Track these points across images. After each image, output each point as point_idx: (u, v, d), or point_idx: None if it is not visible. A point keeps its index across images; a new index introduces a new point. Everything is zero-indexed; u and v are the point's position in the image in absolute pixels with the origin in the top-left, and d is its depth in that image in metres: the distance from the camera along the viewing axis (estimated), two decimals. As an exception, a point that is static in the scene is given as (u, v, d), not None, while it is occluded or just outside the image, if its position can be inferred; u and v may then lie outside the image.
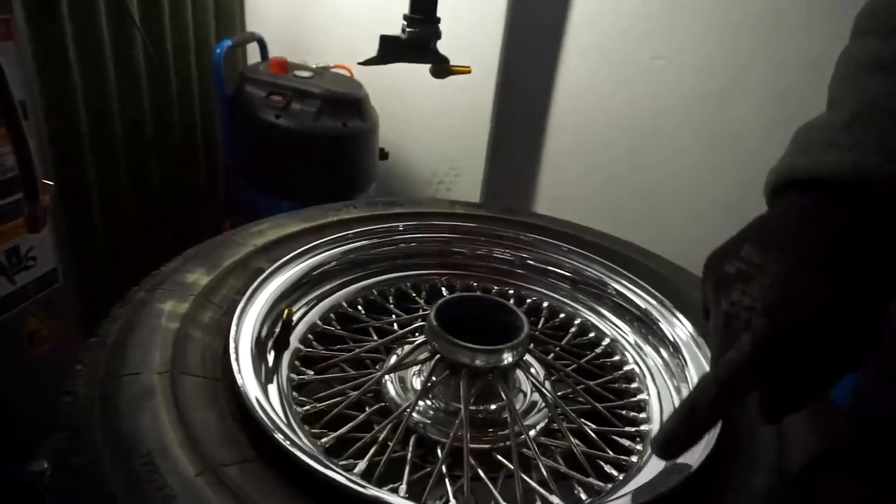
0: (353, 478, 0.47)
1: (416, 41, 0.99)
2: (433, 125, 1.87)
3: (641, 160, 1.76)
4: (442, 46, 1.04)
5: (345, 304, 0.80)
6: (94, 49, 1.31)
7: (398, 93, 1.83)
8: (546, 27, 1.71)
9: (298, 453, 0.48)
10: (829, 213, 0.42)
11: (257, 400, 0.54)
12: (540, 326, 0.81)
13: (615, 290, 0.81)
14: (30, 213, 0.64)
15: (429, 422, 0.63)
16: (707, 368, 0.63)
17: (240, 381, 0.54)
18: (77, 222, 1.28)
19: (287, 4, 1.84)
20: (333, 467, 0.48)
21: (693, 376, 0.66)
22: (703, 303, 0.48)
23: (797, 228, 0.43)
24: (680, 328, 0.72)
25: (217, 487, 0.45)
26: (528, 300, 0.85)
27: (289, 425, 0.57)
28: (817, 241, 0.42)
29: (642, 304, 0.77)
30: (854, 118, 0.44)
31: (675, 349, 0.72)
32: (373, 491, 0.46)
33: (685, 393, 0.66)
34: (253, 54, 1.82)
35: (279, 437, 0.49)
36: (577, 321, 0.82)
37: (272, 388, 0.64)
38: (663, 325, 0.75)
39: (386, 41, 1.00)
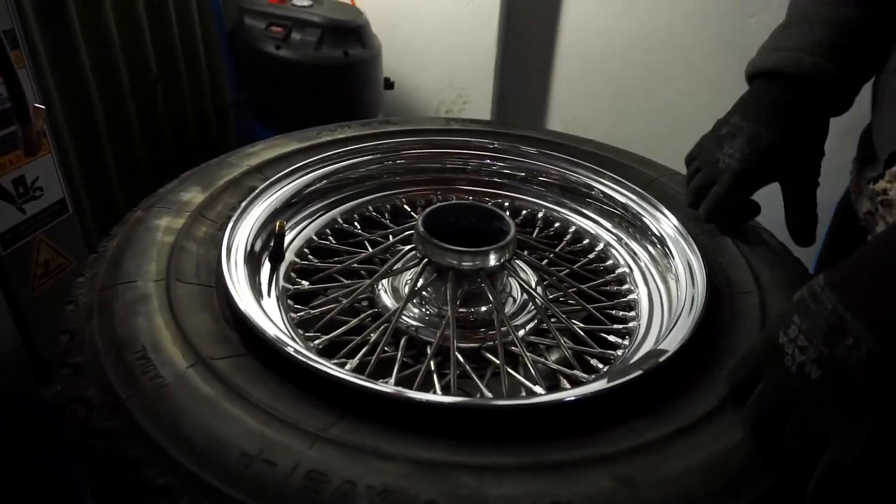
0: (335, 366, 0.49)
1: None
2: (439, 54, 1.83)
3: (655, 79, 1.71)
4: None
5: (340, 219, 0.81)
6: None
7: (401, 22, 1.79)
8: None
9: (284, 345, 0.50)
10: (774, 92, 0.67)
11: (248, 302, 0.56)
12: (534, 235, 0.82)
13: (603, 193, 0.81)
14: (24, 136, 0.66)
15: (420, 325, 0.65)
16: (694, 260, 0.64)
17: (231, 285, 0.56)
18: (89, 161, 1.31)
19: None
20: (317, 357, 0.50)
21: (679, 268, 0.66)
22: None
23: (758, 104, 0.69)
24: (666, 223, 0.72)
25: (207, 377, 0.47)
26: (524, 211, 0.86)
27: (284, 331, 0.59)
28: (770, 110, 0.67)
29: (634, 207, 0.77)
30: (786, 27, 0.68)
31: (661, 244, 0.72)
32: (353, 377, 0.48)
33: (673, 287, 0.67)
34: (253, -14, 1.79)
35: (267, 331, 0.52)
36: (572, 229, 0.82)
37: (267, 297, 0.66)
38: (649, 222, 0.74)
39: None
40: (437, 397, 0.51)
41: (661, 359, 0.51)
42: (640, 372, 0.50)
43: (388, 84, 1.73)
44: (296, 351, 0.50)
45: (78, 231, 0.92)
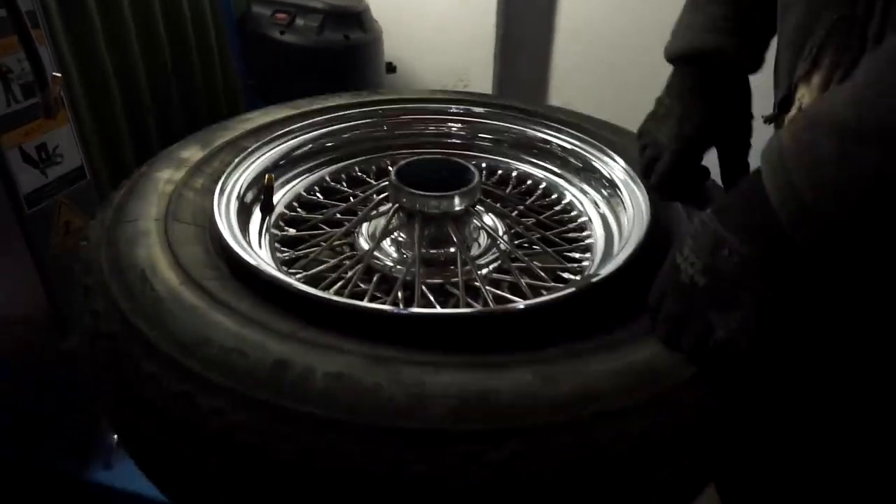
0: (304, 285, 0.56)
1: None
2: (439, 39, 1.90)
3: (651, 61, 1.75)
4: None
5: (328, 178, 0.89)
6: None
7: (402, 7, 1.86)
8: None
9: (262, 267, 0.58)
10: (691, 73, 0.74)
11: (235, 238, 0.64)
12: (508, 191, 0.89)
13: (569, 151, 0.87)
14: (43, 100, 0.74)
15: (392, 264, 0.73)
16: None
17: (220, 222, 0.64)
18: (105, 135, 1.40)
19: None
20: (291, 278, 0.58)
21: (630, 210, 0.72)
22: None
23: (680, 85, 0.76)
24: (618, 170, 0.79)
25: (195, 292, 0.55)
26: (499, 171, 0.92)
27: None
28: (691, 90, 0.74)
29: (606, 172, 0.83)
30: (692, 7, 0.75)
31: (615, 189, 0.78)
32: (317, 292, 0.55)
33: (626, 226, 0.73)
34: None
35: (249, 258, 0.59)
36: (542, 185, 0.89)
37: (257, 240, 0.74)
38: (623, 192, 0.80)
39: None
40: (386, 307, 0.58)
41: (593, 280, 0.58)
42: (572, 290, 0.56)
43: (391, 68, 1.80)
44: (270, 272, 0.58)
45: (95, 195, 1.01)
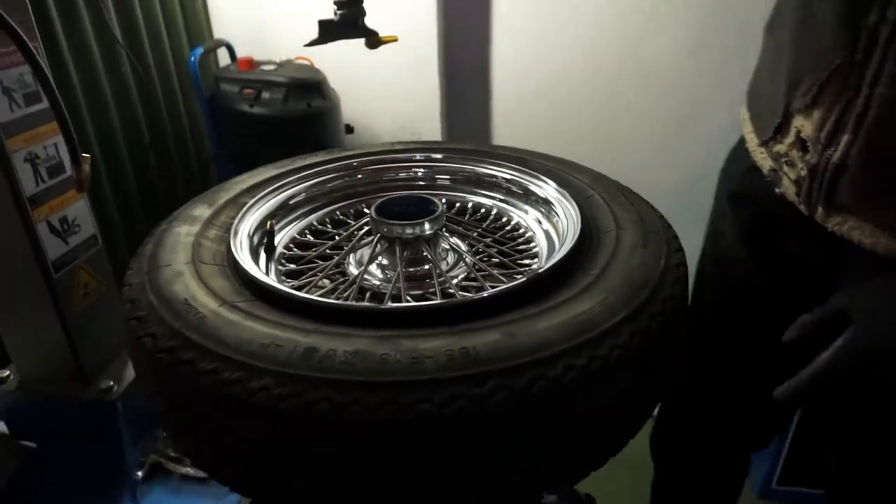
0: (315, 296, 0.72)
1: (347, 20, 1.24)
2: (390, 99, 2.10)
3: (581, 103, 1.99)
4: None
5: (315, 222, 1.05)
6: (90, 74, 1.55)
7: (354, 76, 2.06)
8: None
9: (281, 288, 0.73)
10: None
11: (253, 268, 0.79)
12: (466, 218, 1.06)
13: (509, 179, 1.05)
14: (77, 177, 0.89)
15: (379, 283, 0.89)
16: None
17: (239, 258, 0.80)
18: (96, 210, 1.54)
19: (247, 10, 2.08)
20: (306, 294, 0.74)
21: (564, 221, 0.90)
22: None
23: None
24: (552, 191, 0.97)
25: (231, 310, 0.70)
26: (457, 203, 1.10)
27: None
28: None
29: (542, 194, 1.01)
30: None
31: (560, 220, 0.97)
32: (329, 300, 0.71)
33: (563, 233, 0.90)
34: (223, 58, 2.06)
35: (269, 283, 0.75)
36: (494, 211, 1.07)
37: (265, 275, 0.89)
38: (557, 208, 0.99)
39: (323, 24, 1.25)
40: (385, 305, 0.74)
41: (540, 271, 0.75)
42: (524, 279, 0.74)
43: (349, 129, 2.00)
44: (291, 291, 0.73)
45: (106, 260, 1.15)
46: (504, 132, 2.14)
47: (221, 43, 1.96)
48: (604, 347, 0.64)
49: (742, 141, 0.89)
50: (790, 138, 0.71)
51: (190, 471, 1.10)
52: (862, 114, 0.62)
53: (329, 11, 1.29)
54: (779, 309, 0.80)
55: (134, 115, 1.72)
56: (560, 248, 0.85)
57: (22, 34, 0.79)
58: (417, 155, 1.14)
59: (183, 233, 0.88)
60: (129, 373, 1.15)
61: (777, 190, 0.78)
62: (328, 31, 1.24)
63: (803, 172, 0.72)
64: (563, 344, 0.63)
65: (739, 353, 0.99)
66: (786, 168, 0.75)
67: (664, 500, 1.24)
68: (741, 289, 0.94)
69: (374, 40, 1.29)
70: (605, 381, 0.63)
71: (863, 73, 0.60)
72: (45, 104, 0.95)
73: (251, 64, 1.83)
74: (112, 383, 1.11)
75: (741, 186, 0.91)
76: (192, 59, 1.77)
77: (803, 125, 0.68)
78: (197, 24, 1.99)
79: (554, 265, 0.77)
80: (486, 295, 0.71)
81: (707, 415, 1.05)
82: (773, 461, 1.75)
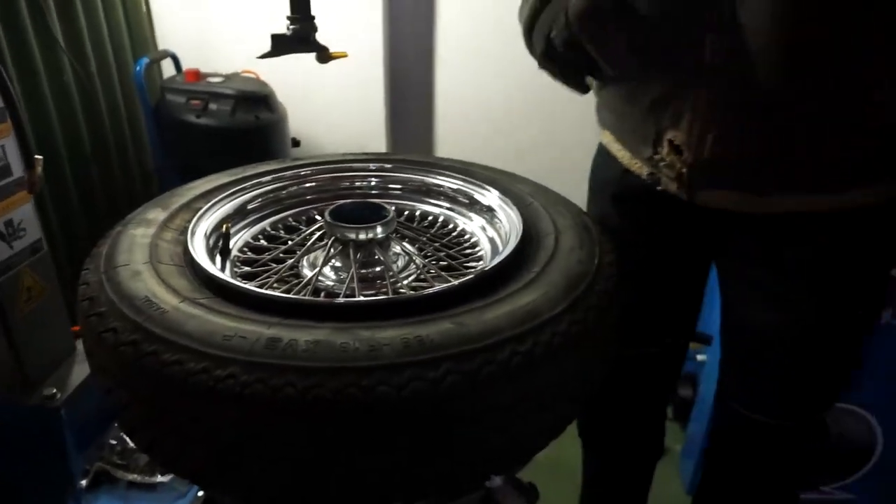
0: (271, 291, 0.76)
1: (299, 35, 1.28)
2: (337, 115, 2.15)
3: (519, 120, 2.10)
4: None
5: (269, 228, 1.08)
6: (31, 78, 1.54)
7: (302, 92, 2.10)
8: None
9: (242, 285, 0.77)
10: None
11: (212, 267, 0.82)
12: (416, 225, 1.12)
13: (454, 188, 1.12)
14: (29, 178, 0.89)
15: (333, 284, 0.93)
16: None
17: (198, 259, 0.83)
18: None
19: (192, 22, 2.09)
20: (263, 290, 0.77)
21: (507, 226, 0.97)
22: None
23: None
24: (494, 199, 1.04)
25: (193, 306, 0.73)
26: (406, 211, 1.16)
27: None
28: None
29: (486, 202, 1.08)
30: None
31: (503, 226, 1.03)
32: (288, 296, 0.75)
33: (505, 238, 0.97)
34: (168, 70, 2.06)
35: (230, 280, 0.78)
36: (441, 217, 1.13)
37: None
38: (500, 215, 1.05)
39: (276, 38, 1.29)
40: (342, 300, 0.78)
41: (487, 268, 0.81)
42: (472, 276, 0.79)
43: (295, 142, 2.03)
44: (254, 288, 0.77)
45: (51, 265, 1.14)
46: (446, 148, 2.21)
47: (167, 54, 1.96)
48: (546, 334, 0.70)
49: (603, 153, 1.11)
50: (665, 148, 0.90)
51: (137, 477, 1.09)
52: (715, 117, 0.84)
53: (272, 27, 1.33)
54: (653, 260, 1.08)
55: (75, 123, 1.70)
56: (504, 248, 0.91)
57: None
58: (370, 165, 1.18)
59: (139, 234, 0.90)
60: (74, 379, 1.14)
61: (658, 187, 0.96)
62: (280, 45, 1.28)
63: (684, 170, 0.90)
64: (510, 331, 0.69)
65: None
66: (665, 170, 0.93)
67: (593, 478, 1.41)
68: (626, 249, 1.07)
69: (324, 55, 1.34)
70: (547, 364, 0.70)
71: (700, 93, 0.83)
72: (-7, 107, 0.95)
73: (198, 76, 1.84)
74: (55, 390, 1.10)
75: (620, 189, 1.08)
76: (138, 68, 1.76)
77: (675, 136, 0.88)
78: (141, 35, 1.98)
79: (500, 262, 0.83)
80: (437, 289, 0.77)
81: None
82: (700, 459, 1.86)
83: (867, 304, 0.99)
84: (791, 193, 0.87)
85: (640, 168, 1.00)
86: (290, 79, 2.06)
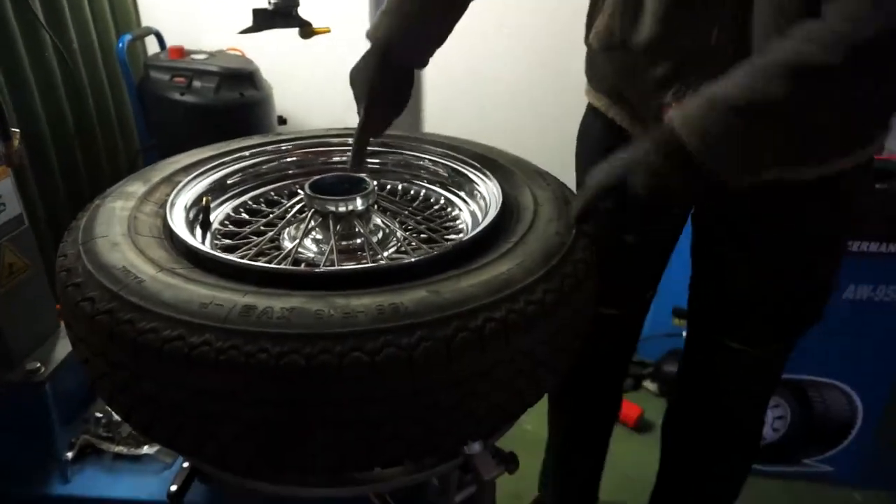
0: (247, 260, 0.76)
1: (281, 10, 1.27)
2: (322, 91, 2.13)
3: (505, 98, 2.09)
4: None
5: (250, 202, 1.08)
6: (11, 55, 1.52)
7: (288, 68, 2.08)
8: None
9: (219, 255, 0.77)
10: (372, 53, 1.04)
11: (190, 238, 0.82)
12: (397, 199, 1.12)
13: (437, 163, 1.12)
14: (6, 151, 0.89)
15: (313, 255, 0.93)
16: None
17: (177, 230, 0.83)
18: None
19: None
20: (240, 258, 0.78)
21: (487, 196, 0.97)
22: None
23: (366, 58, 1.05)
24: (488, 187, 1.04)
25: (170, 276, 0.73)
26: (388, 185, 1.16)
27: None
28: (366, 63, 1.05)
29: (468, 177, 1.08)
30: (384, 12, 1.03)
31: (483, 199, 1.04)
32: (263, 264, 0.75)
33: (486, 210, 0.97)
34: (152, 47, 2.04)
35: (207, 250, 0.78)
36: (422, 192, 1.13)
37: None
38: (481, 188, 1.06)
39: (257, 13, 1.28)
40: (316, 269, 0.79)
41: (463, 239, 0.82)
42: (450, 246, 0.80)
43: (282, 120, 2.02)
44: (230, 257, 0.77)
45: (33, 240, 1.14)
46: (433, 123, 2.21)
47: (150, 31, 1.94)
48: (520, 302, 0.71)
49: (598, 115, 1.14)
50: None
51: (123, 449, 1.10)
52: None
53: (260, 2, 1.33)
54: None
55: (58, 100, 1.68)
56: (482, 221, 0.91)
57: (-49, 6, 0.79)
58: (350, 140, 1.18)
59: (118, 207, 0.90)
60: (59, 354, 1.15)
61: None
62: (262, 20, 1.27)
63: None
64: (484, 299, 0.69)
65: None
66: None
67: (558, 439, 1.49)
68: None
69: (307, 30, 1.33)
70: (521, 332, 0.70)
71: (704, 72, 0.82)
72: (-31, 79, 0.94)
73: (182, 53, 1.83)
74: (39, 365, 1.10)
75: (615, 143, 1.08)
76: (121, 45, 1.75)
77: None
78: (124, 11, 1.96)
79: (476, 234, 0.83)
80: (413, 260, 0.77)
81: None
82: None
83: (831, 255, 1.05)
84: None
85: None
86: (276, 56, 2.05)
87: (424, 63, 1.08)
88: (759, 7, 0.79)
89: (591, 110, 1.18)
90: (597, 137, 1.16)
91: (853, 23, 0.64)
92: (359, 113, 1.05)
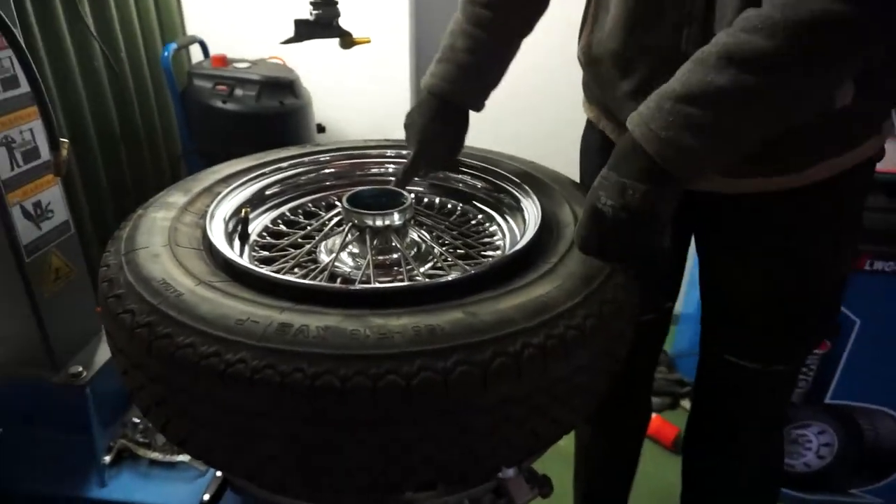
0: (285, 276, 0.76)
1: (322, 20, 1.28)
2: (363, 102, 2.14)
3: (546, 108, 2.06)
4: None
5: (288, 213, 1.08)
6: (63, 64, 1.56)
7: (328, 76, 2.10)
8: None
9: (257, 269, 0.77)
10: (429, 102, 1.07)
11: (228, 251, 0.83)
12: (434, 213, 1.11)
13: (476, 176, 1.11)
14: (55, 160, 0.91)
15: (350, 270, 0.93)
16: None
17: (216, 243, 0.83)
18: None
19: (221, 9, 2.10)
20: (278, 274, 0.78)
21: (528, 215, 0.95)
22: None
23: (423, 107, 1.10)
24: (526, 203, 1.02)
25: (208, 289, 0.73)
26: (425, 199, 1.15)
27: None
28: (428, 112, 1.08)
29: (507, 192, 1.06)
30: (437, 60, 1.08)
31: (522, 215, 1.02)
32: (300, 280, 0.75)
33: (525, 229, 0.96)
34: (196, 56, 2.08)
35: (245, 264, 0.78)
36: (461, 207, 1.12)
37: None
38: (520, 204, 1.04)
39: (299, 23, 1.29)
40: (355, 286, 0.78)
41: (501, 258, 0.80)
42: (488, 265, 0.78)
43: (321, 128, 2.03)
44: (267, 272, 0.77)
45: (78, 246, 1.16)
46: (472, 133, 2.19)
47: (195, 39, 1.98)
48: (559, 327, 0.69)
49: (593, 129, 1.14)
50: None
51: (158, 455, 1.12)
52: None
53: (299, 13, 1.33)
54: None
55: (105, 108, 1.73)
56: (521, 239, 0.90)
57: (6, 19, 0.81)
58: (388, 152, 1.18)
59: (159, 218, 0.91)
60: (100, 358, 1.17)
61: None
62: (304, 30, 1.28)
63: None
64: (522, 323, 0.68)
65: None
66: None
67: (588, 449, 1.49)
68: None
69: (348, 41, 1.34)
70: (560, 358, 0.69)
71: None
72: (22, 89, 0.97)
73: (224, 61, 1.86)
74: (81, 369, 1.13)
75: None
76: (166, 54, 1.78)
77: None
78: (170, 21, 2.00)
79: (514, 253, 0.82)
80: (450, 278, 0.76)
81: None
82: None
83: (835, 265, 1.02)
84: (760, 175, 0.91)
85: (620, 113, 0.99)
86: (316, 65, 2.06)
87: (481, 107, 1.08)
88: (722, 12, 0.79)
89: (588, 124, 1.18)
90: (595, 150, 1.15)
91: (788, 6, 0.66)
92: (407, 156, 1.07)
